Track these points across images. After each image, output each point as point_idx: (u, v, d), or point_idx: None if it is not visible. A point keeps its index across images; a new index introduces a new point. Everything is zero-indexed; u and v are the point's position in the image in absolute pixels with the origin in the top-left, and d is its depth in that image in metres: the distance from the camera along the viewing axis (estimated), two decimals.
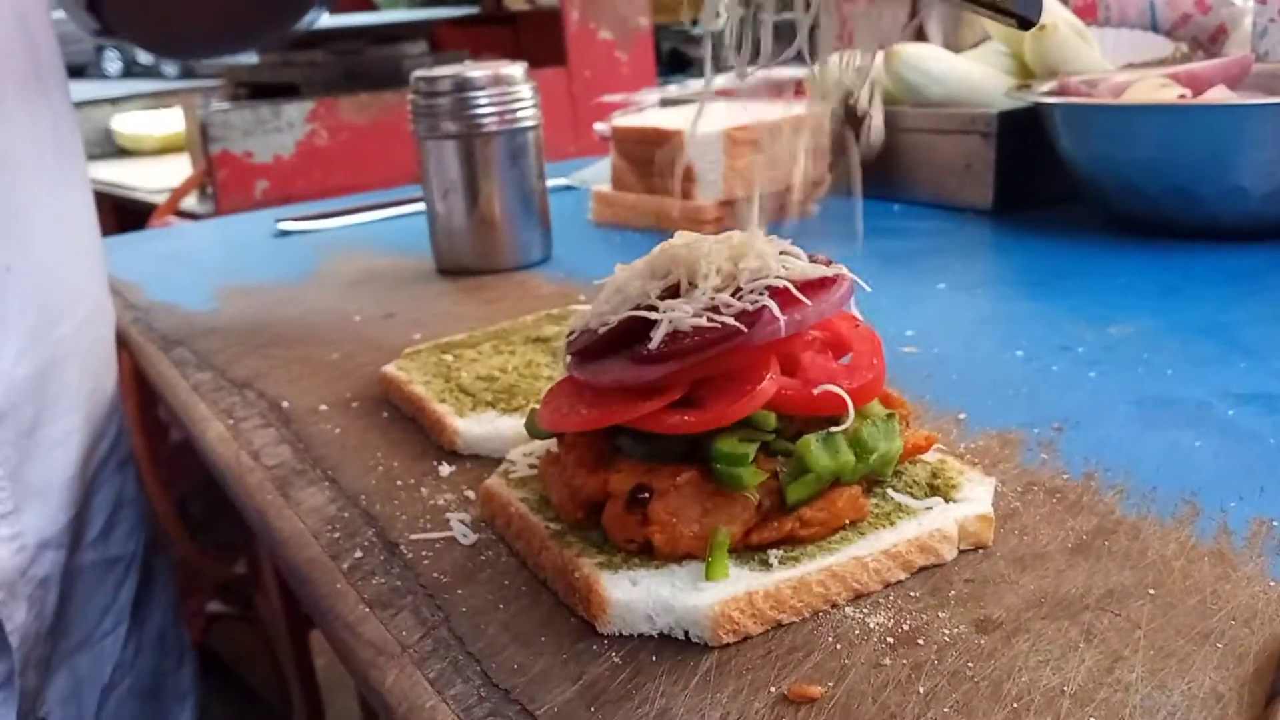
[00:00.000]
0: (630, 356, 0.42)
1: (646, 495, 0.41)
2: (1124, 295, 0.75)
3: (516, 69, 0.91)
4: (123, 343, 0.88)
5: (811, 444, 0.42)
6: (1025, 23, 0.40)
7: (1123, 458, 0.51)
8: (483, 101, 0.89)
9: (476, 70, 0.90)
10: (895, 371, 0.60)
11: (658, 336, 0.41)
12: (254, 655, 2.11)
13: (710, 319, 0.41)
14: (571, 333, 0.45)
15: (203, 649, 2.30)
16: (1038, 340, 0.67)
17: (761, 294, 0.42)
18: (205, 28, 0.86)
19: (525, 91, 0.91)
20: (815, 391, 0.43)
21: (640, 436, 0.42)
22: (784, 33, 0.46)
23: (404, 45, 1.92)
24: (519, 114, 0.91)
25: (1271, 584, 0.40)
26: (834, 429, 0.42)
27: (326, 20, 1.99)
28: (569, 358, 0.44)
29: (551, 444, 0.47)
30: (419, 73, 0.91)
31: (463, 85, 0.89)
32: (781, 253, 0.44)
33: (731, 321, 0.41)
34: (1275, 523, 0.44)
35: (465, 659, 0.40)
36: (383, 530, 0.50)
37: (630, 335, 0.42)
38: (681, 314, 0.41)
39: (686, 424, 0.41)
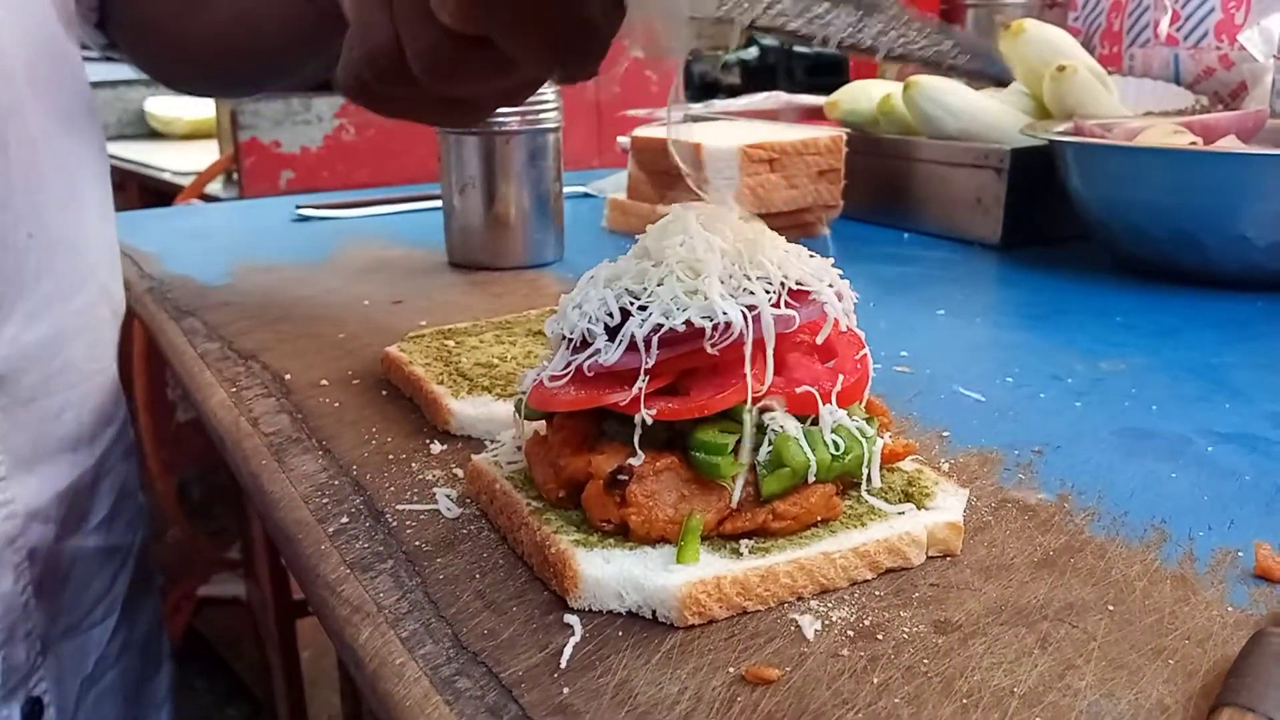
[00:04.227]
0: (619, 343, 0.43)
1: (626, 477, 0.42)
2: (1119, 333, 0.76)
3: None
4: (136, 311, 0.90)
5: (789, 439, 0.43)
6: (1000, 82, 0.42)
7: (1098, 483, 0.52)
8: None
9: None
10: (886, 389, 0.62)
11: (648, 325, 0.42)
12: (241, 642, 2.12)
13: (701, 312, 0.42)
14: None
15: (191, 633, 2.31)
16: (1028, 369, 0.68)
17: (753, 293, 0.43)
18: (203, 71, 0.88)
19: (548, 94, 0.93)
20: (798, 391, 0.44)
21: (625, 421, 0.44)
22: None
23: None
24: (541, 115, 0.93)
25: (1229, 609, 0.41)
26: (812, 427, 0.44)
27: None
28: (561, 340, 0.46)
29: (540, 426, 0.48)
30: None
31: None
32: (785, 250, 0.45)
33: (721, 316, 0.42)
34: (1241, 553, 0.45)
35: (438, 622, 0.41)
36: (370, 499, 0.51)
37: (621, 324, 0.44)
38: (673, 305, 0.42)
39: (670, 411, 0.43)
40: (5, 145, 0.68)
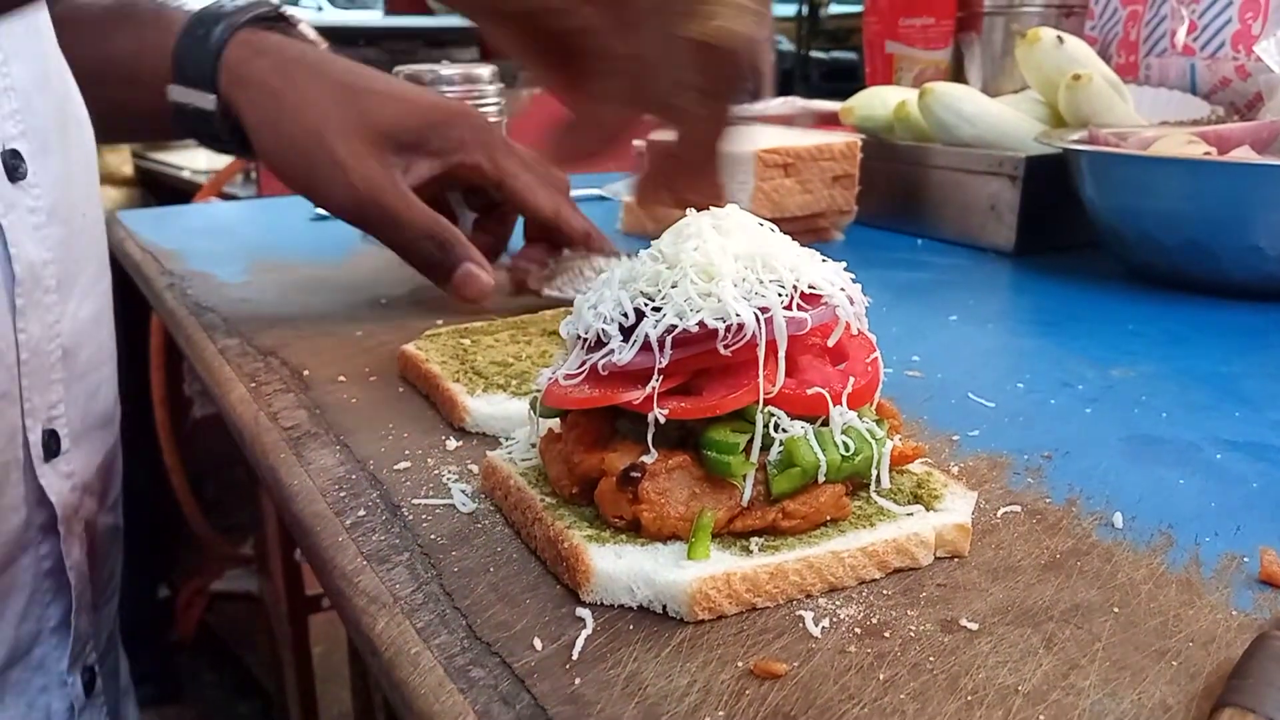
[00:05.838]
0: (634, 343, 0.44)
1: (638, 475, 0.43)
2: (1131, 340, 0.77)
3: (484, 70, 0.95)
4: (155, 307, 0.91)
5: (800, 439, 0.44)
6: None
7: (1106, 488, 0.52)
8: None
9: (450, 69, 0.94)
10: (897, 392, 0.62)
11: (662, 325, 0.43)
12: (252, 637, 2.14)
13: (715, 313, 0.43)
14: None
15: (203, 628, 2.33)
16: (1040, 375, 0.69)
17: (766, 295, 0.44)
18: None
19: (490, 91, 0.95)
20: (809, 392, 0.45)
21: (639, 419, 0.44)
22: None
23: (454, 50, 1.97)
24: (483, 112, 0.95)
25: (1234, 613, 0.42)
26: (822, 427, 0.44)
27: (381, 20, 2.04)
28: (577, 340, 0.46)
29: (554, 423, 0.49)
30: (403, 69, 0.94)
31: (435, 82, 0.93)
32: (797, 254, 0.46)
33: (734, 318, 0.43)
34: (1246, 559, 0.46)
35: (452, 613, 0.42)
36: (387, 493, 0.52)
37: (636, 324, 0.44)
38: (687, 306, 0.43)
39: (682, 410, 0.43)
40: (65, 126, 0.70)
